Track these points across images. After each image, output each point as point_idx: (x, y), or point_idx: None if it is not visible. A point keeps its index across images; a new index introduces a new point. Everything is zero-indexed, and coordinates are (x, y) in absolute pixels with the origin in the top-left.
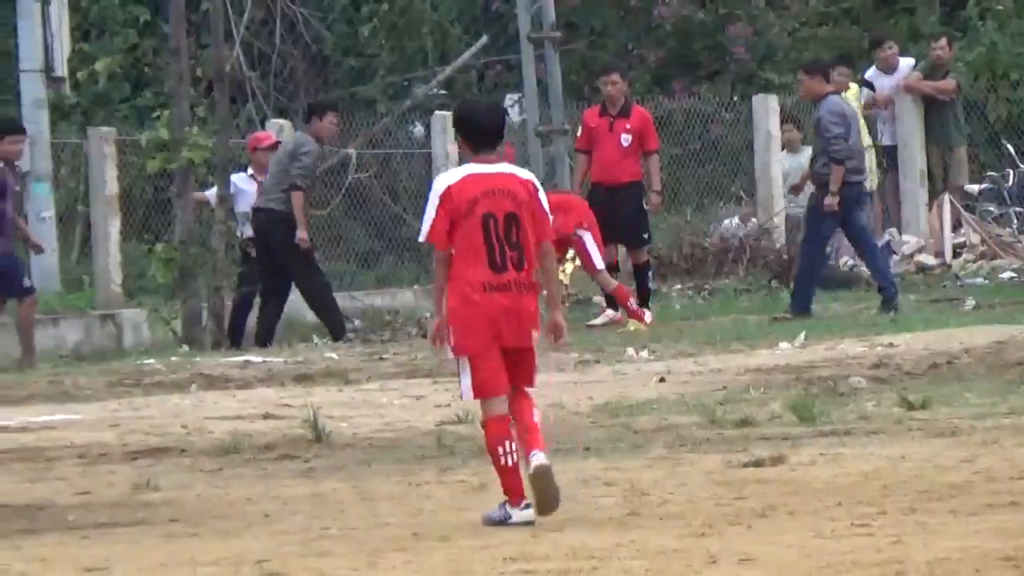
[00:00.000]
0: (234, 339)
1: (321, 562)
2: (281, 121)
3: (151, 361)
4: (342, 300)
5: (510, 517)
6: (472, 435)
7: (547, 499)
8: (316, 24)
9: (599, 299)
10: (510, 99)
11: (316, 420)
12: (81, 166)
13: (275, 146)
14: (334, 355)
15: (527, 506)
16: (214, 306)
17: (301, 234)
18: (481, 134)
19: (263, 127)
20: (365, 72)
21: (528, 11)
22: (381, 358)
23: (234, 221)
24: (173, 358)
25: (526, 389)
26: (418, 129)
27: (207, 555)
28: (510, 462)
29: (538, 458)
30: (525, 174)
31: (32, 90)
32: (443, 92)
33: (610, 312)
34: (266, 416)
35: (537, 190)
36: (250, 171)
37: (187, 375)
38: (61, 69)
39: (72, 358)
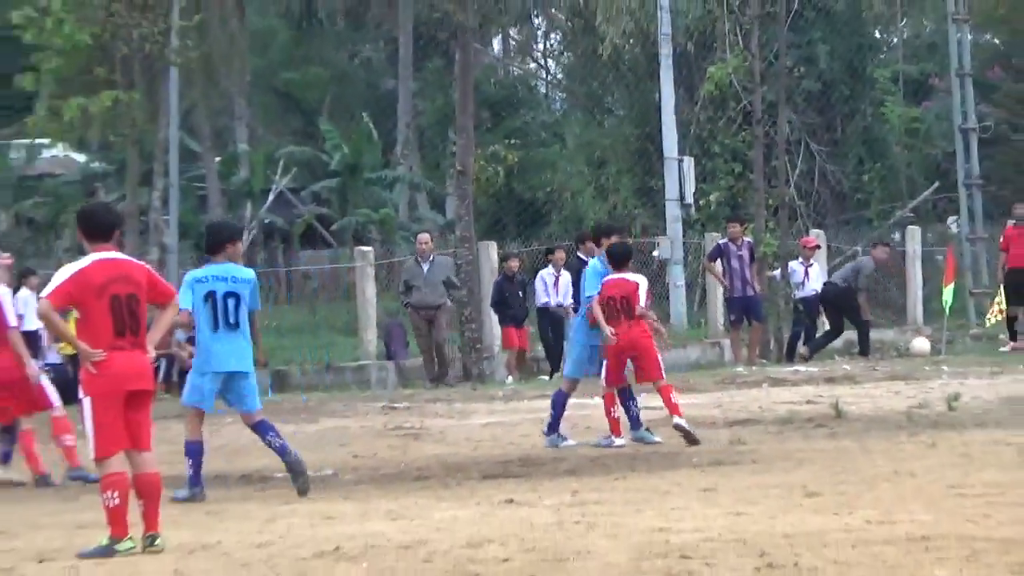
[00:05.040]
0: (790, 357)
1: (833, 488)
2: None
3: (740, 369)
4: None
5: None
6: (926, 416)
7: None
8: None
9: None
10: None
11: (837, 404)
12: (700, 254)
13: (816, 247)
14: (847, 367)
15: None
16: (779, 336)
17: None
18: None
19: (807, 233)
20: None
21: None
22: (875, 369)
23: (790, 288)
24: (753, 368)
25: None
26: None
27: (772, 482)
28: None
29: None
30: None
31: (672, 211)
32: None
33: None
34: (807, 402)
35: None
36: (800, 260)
37: (760, 378)
38: (688, 197)
39: (693, 368)
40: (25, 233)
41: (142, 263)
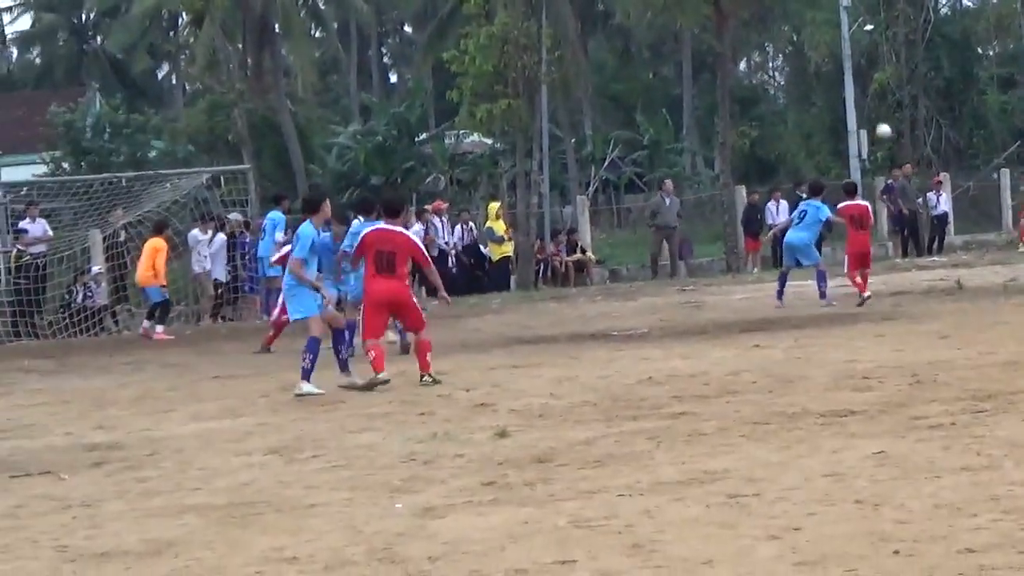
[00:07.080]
0: (928, 252)
1: (957, 332)
2: None
3: (897, 260)
4: None
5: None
6: (1016, 286)
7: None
8: None
9: None
10: None
11: (959, 280)
12: (873, 190)
13: (941, 183)
14: (965, 256)
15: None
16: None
17: None
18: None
19: (937, 175)
20: None
21: None
22: (982, 257)
23: (928, 209)
24: (905, 259)
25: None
26: None
27: (920, 330)
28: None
29: None
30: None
31: (854, 164)
32: None
33: None
34: (940, 279)
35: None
36: (933, 191)
37: (911, 265)
38: (864, 155)
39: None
40: (455, 189)
41: (407, 234)
